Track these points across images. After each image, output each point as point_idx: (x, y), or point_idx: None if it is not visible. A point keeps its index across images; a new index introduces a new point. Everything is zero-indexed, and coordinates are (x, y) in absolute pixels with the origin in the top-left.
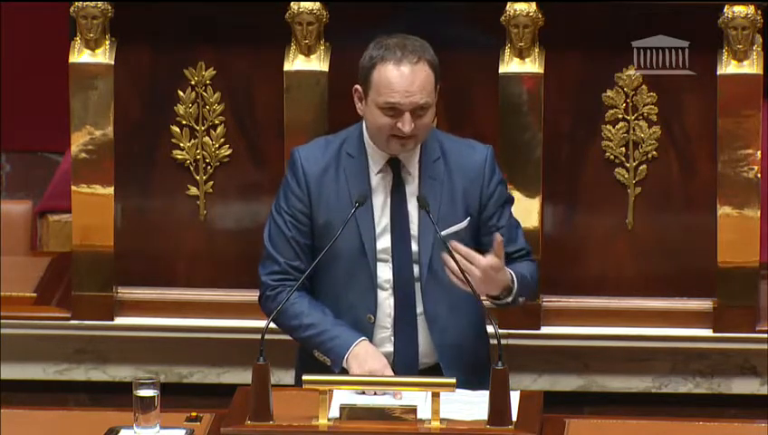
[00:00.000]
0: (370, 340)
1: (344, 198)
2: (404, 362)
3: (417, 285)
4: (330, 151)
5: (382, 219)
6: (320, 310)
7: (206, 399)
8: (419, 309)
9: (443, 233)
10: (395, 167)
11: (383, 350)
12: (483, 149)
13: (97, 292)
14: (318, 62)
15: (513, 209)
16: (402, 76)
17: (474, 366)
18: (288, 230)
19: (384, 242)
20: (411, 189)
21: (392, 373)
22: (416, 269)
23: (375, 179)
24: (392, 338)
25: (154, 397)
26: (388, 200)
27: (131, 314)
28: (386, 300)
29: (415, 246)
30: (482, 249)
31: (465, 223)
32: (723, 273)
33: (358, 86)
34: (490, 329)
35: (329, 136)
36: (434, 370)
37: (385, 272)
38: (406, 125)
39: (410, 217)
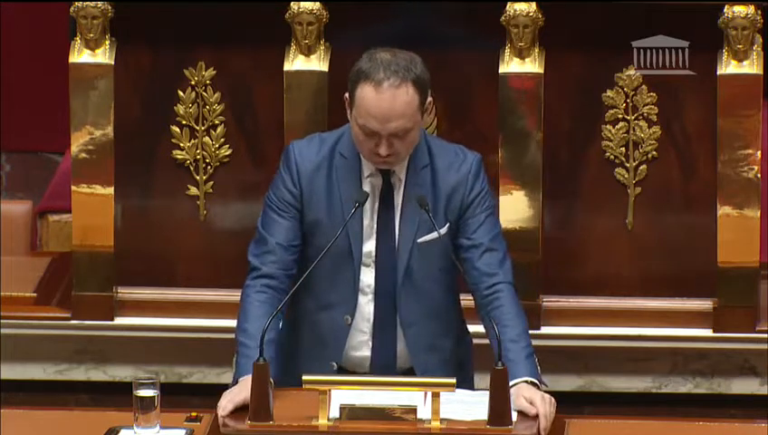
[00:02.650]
0: (345, 342)
1: (335, 198)
2: (381, 367)
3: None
4: (324, 150)
5: (370, 223)
6: (260, 325)
7: (206, 399)
8: (397, 314)
9: (419, 240)
10: (385, 172)
11: (360, 354)
12: (470, 158)
13: (97, 292)
14: (318, 62)
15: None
16: (381, 102)
17: (452, 369)
18: (279, 216)
19: (369, 246)
20: (399, 194)
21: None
22: (397, 276)
23: (365, 183)
24: (370, 343)
25: (154, 397)
26: (377, 205)
27: (131, 314)
28: (366, 305)
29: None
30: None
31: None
32: (723, 273)
33: (346, 95)
34: (472, 329)
35: (324, 133)
36: (410, 372)
37: (367, 276)
38: (383, 149)
39: (395, 223)
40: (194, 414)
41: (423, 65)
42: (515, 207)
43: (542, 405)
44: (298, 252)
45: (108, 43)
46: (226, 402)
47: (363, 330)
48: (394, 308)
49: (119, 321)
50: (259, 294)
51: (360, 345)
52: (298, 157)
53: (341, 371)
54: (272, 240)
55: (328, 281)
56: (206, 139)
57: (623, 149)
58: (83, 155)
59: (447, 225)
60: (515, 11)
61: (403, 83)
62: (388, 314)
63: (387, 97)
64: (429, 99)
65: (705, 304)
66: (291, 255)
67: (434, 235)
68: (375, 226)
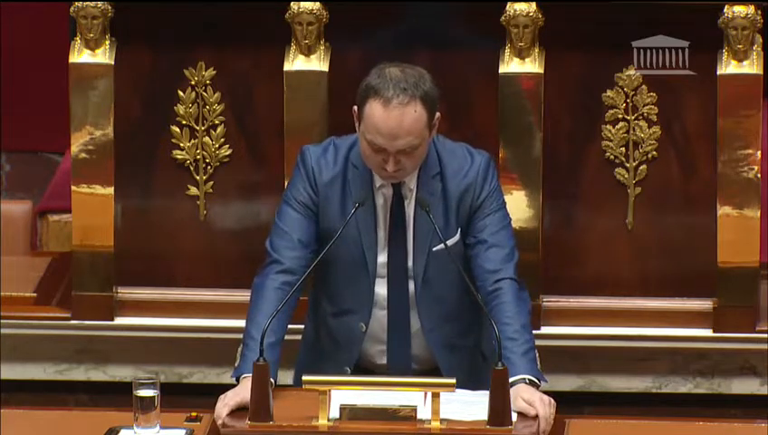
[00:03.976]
0: (360, 349)
1: (348, 208)
2: (397, 372)
3: (412, 300)
4: (339, 161)
5: (384, 234)
6: (271, 316)
7: (206, 399)
8: (415, 324)
9: (434, 248)
10: (396, 182)
11: (377, 362)
12: (478, 160)
13: (97, 292)
14: (318, 62)
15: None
16: (389, 119)
17: (476, 363)
18: (298, 213)
19: (383, 257)
20: (410, 204)
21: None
22: (410, 284)
23: (377, 194)
24: (386, 352)
25: (154, 397)
26: (388, 215)
27: (131, 314)
28: (383, 317)
29: (410, 262)
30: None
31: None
32: (723, 273)
33: (355, 107)
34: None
35: (338, 139)
36: (432, 373)
37: (382, 288)
38: (390, 165)
39: (407, 232)
40: (194, 414)
41: (432, 82)
42: (515, 207)
43: (542, 407)
44: (315, 252)
45: (108, 43)
46: (222, 406)
47: (380, 339)
48: (407, 316)
49: (119, 321)
50: (278, 291)
51: (380, 354)
52: (315, 166)
53: (361, 373)
54: (294, 236)
55: (344, 289)
56: (206, 139)
57: (623, 149)
58: (83, 155)
59: (459, 231)
60: (515, 11)
61: (411, 101)
62: (402, 322)
63: (395, 115)
64: (438, 114)
65: (705, 304)
66: (310, 253)
67: (448, 242)
68: (387, 236)
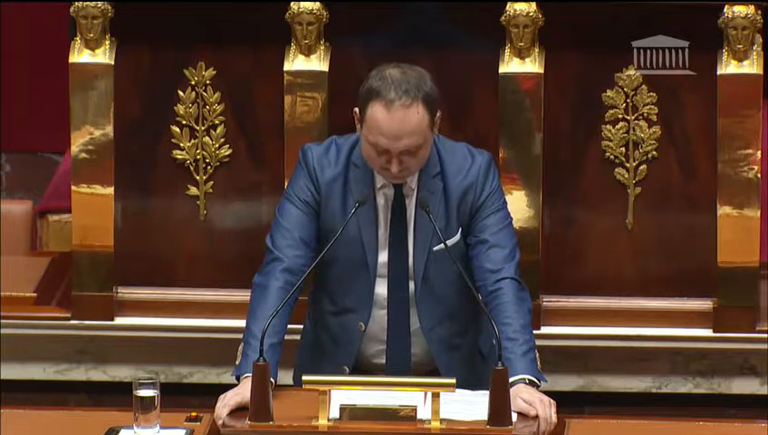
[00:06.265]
0: (358, 348)
1: (349, 208)
2: (396, 373)
3: (412, 300)
4: (341, 160)
5: (383, 233)
6: (271, 315)
7: (206, 399)
8: (415, 323)
9: (435, 248)
10: (398, 183)
11: (377, 361)
12: (479, 160)
13: (97, 292)
14: (318, 62)
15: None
16: (392, 121)
17: (474, 362)
18: (299, 211)
19: (384, 256)
20: (411, 204)
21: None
22: (411, 284)
23: (379, 194)
24: (385, 352)
25: (154, 397)
26: (389, 215)
27: (131, 314)
28: (382, 317)
29: (410, 261)
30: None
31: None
32: (723, 273)
33: (356, 109)
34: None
35: (339, 139)
36: (431, 374)
37: (382, 287)
38: (394, 167)
39: (408, 232)
40: (194, 414)
41: (432, 82)
42: (515, 207)
43: (542, 408)
44: (315, 251)
45: (108, 43)
46: (222, 406)
47: (381, 339)
48: (407, 316)
49: (119, 321)
50: (281, 291)
51: (380, 354)
52: (316, 165)
53: (360, 373)
54: (295, 233)
55: (344, 288)
56: (206, 139)
57: (623, 149)
58: (83, 155)
59: (460, 230)
60: (515, 11)
61: (414, 102)
62: (402, 322)
63: (398, 117)
64: (438, 113)
65: (705, 304)
66: (311, 252)
67: (449, 241)
68: (388, 236)
